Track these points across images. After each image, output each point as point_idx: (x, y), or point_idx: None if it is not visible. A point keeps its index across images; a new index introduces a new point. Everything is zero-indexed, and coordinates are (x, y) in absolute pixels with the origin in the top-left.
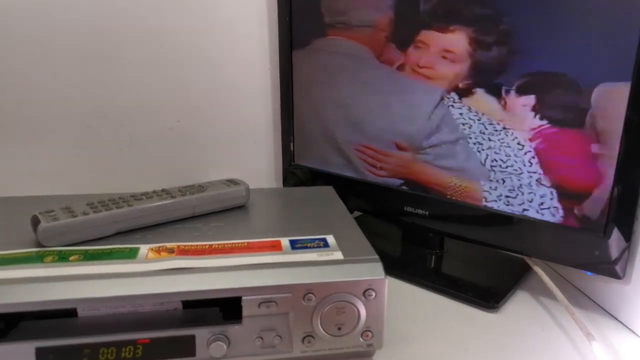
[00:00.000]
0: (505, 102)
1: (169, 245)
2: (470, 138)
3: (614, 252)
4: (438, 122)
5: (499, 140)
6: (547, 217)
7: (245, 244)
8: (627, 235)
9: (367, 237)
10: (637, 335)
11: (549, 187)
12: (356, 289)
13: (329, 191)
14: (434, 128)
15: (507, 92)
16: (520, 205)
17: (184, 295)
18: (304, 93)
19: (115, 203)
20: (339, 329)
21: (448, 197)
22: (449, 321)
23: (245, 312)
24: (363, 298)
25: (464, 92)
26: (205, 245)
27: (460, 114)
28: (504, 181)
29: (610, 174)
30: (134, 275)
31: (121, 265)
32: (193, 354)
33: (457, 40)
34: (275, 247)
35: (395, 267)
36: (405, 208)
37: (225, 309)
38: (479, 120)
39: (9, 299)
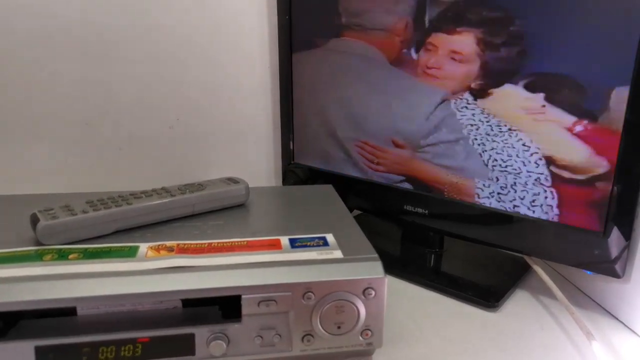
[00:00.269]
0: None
1: (168, 243)
2: (476, 139)
3: (614, 251)
4: (437, 122)
5: (502, 141)
6: (538, 214)
7: (245, 243)
8: (627, 234)
9: (367, 236)
10: (636, 334)
11: (548, 186)
12: (356, 288)
13: (328, 190)
14: (432, 128)
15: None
16: (511, 202)
17: (183, 294)
18: (309, 91)
19: (114, 201)
20: (339, 327)
21: (445, 194)
22: (448, 320)
23: (244, 310)
24: (363, 297)
25: (479, 93)
26: (205, 243)
27: (473, 114)
28: (497, 179)
29: (610, 173)
30: (134, 274)
31: (121, 264)
32: (192, 352)
33: (466, 42)
34: (275, 245)
35: (395, 266)
36: (405, 207)
37: (224, 307)
38: (487, 122)
39: (8, 298)
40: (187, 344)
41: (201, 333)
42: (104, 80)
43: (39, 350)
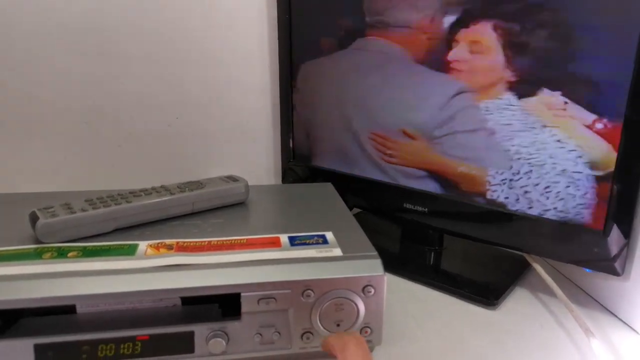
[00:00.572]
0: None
1: (167, 241)
2: (505, 135)
3: (613, 249)
4: (453, 112)
5: (533, 135)
6: (550, 200)
7: (245, 241)
8: (626, 232)
9: (366, 234)
10: (636, 332)
11: (572, 179)
12: (355, 286)
13: (328, 188)
14: (447, 118)
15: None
16: (522, 187)
17: (183, 292)
18: (323, 92)
19: (113, 200)
20: (338, 325)
21: (459, 185)
22: (448, 318)
23: (244, 308)
24: (362, 294)
25: (523, 92)
26: (204, 241)
27: (512, 114)
28: (512, 167)
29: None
30: (133, 272)
31: (120, 262)
32: (192, 350)
33: (492, 36)
34: (275, 243)
35: (395, 264)
36: (404, 205)
37: (224, 305)
38: (522, 120)
39: (8, 296)
40: (186, 342)
41: (201, 331)
42: (103, 78)
43: (38, 348)
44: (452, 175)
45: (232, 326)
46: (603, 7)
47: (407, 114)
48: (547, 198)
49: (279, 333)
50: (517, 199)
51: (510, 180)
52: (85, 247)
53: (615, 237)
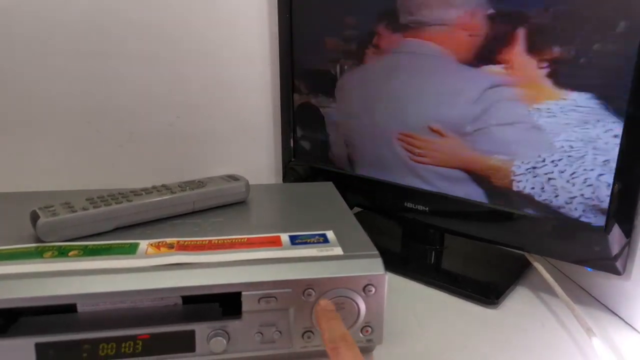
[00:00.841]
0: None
1: (168, 240)
2: (553, 130)
3: (614, 248)
4: (486, 106)
5: (584, 130)
6: (577, 187)
7: (245, 240)
8: (628, 231)
9: (367, 233)
10: (637, 331)
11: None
12: (356, 285)
13: (328, 187)
14: (479, 112)
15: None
16: (545, 174)
17: (183, 291)
18: (358, 98)
19: (114, 198)
20: None
21: (489, 178)
22: (448, 317)
23: (245, 307)
24: (363, 294)
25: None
26: (205, 240)
27: (565, 117)
28: (540, 155)
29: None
30: (134, 271)
31: (121, 261)
32: (193, 349)
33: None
34: (275, 242)
35: (395, 263)
36: (405, 204)
37: (225, 304)
38: (581, 118)
39: (8, 295)
40: (187, 341)
41: (201, 330)
42: (104, 78)
43: (39, 347)
44: (481, 170)
45: (232, 325)
46: None
47: (437, 110)
48: (573, 185)
49: (280, 332)
50: (542, 188)
51: (534, 168)
52: (86, 246)
53: (616, 236)
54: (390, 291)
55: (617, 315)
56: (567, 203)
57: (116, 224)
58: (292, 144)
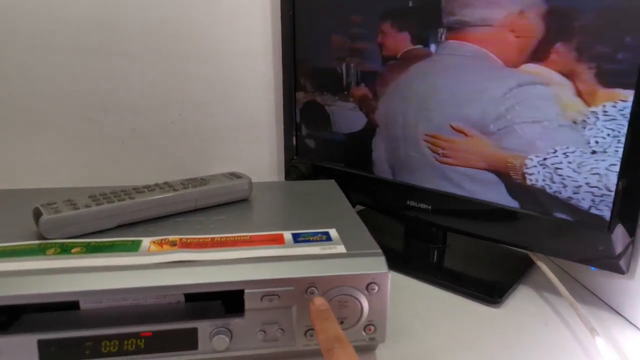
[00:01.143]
0: None
1: (171, 238)
2: (591, 129)
3: (618, 247)
4: (512, 103)
5: (606, 128)
6: (583, 175)
7: (248, 237)
8: (632, 230)
9: (370, 231)
10: None
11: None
12: (359, 283)
13: (331, 185)
14: (504, 110)
15: None
16: (553, 165)
17: (186, 288)
18: (392, 103)
19: (117, 196)
20: (342, 322)
21: (509, 173)
22: (451, 316)
23: (247, 305)
24: (366, 292)
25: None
26: (208, 238)
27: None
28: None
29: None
30: (136, 268)
31: (123, 258)
32: (195, 347)
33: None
34: (278, 240)
35: (398, 262)
36: (408, 202)
37: (227, 302)
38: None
39: (11, 292)
40: (189, 339)
41: (204, 327)
42: (107, 75)
43: (41, 344)
44: (504, 168)
45: (235, 323)
46: None
47: (461, 109)
48: (579, 174)
49: (283, 330)
50: (552, 178)
51: (545, 159)
52: (88, 243)
53: (620, 235)
54: (393, 290)
55: (620, 314)
56: (574, 193)
57: (119, 221)
58: (294, 142)
